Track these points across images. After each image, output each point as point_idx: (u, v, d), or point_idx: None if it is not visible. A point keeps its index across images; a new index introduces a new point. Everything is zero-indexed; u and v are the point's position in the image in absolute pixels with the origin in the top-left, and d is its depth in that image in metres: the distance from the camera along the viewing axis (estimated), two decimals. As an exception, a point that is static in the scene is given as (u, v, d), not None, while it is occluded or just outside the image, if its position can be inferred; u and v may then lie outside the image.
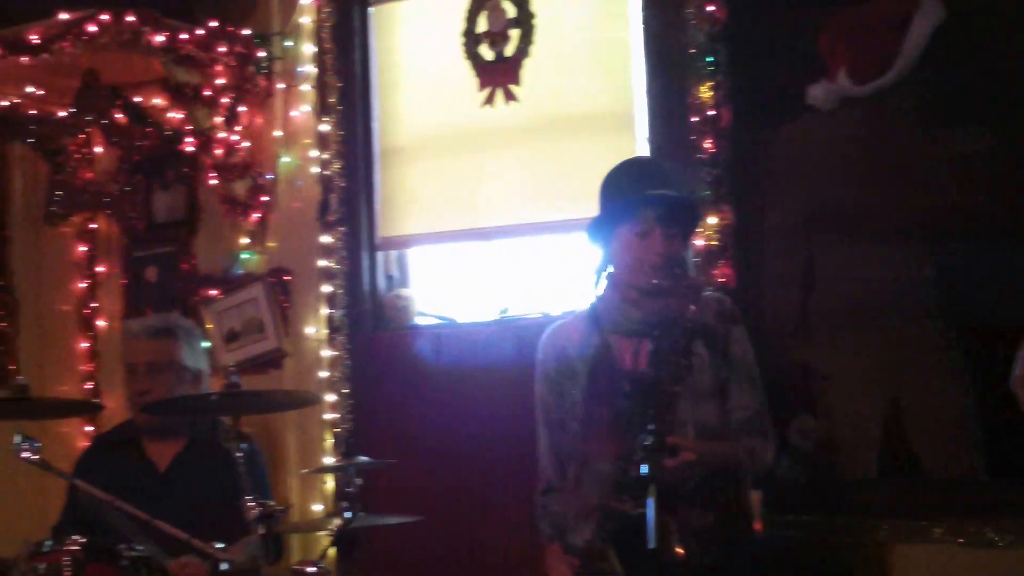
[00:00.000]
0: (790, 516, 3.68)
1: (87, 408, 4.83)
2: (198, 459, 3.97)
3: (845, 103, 3.78)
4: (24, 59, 4.50)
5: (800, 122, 3.86)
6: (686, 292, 3.16)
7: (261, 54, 4.79)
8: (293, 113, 4.82)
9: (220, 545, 3.32)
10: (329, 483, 4.56)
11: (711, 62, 3.93)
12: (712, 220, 3.89)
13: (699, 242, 3.87)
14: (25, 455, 3.27)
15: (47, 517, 4.10)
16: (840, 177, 3.80)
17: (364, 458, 3.57)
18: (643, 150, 4.16)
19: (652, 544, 2.90)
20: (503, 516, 4.16)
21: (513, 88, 4.44)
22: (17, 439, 3.26)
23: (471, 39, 4.53)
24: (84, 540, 3.29)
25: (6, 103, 5.00)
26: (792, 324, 3.85)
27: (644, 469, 2.97)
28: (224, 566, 3.23)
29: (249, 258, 4.87)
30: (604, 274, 3.42)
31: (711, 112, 3.92)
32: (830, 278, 3.82)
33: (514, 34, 4.44)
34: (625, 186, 3.38)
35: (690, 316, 3.11)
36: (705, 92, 3.94)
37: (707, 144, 3.92)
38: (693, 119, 3.95)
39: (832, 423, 3.78)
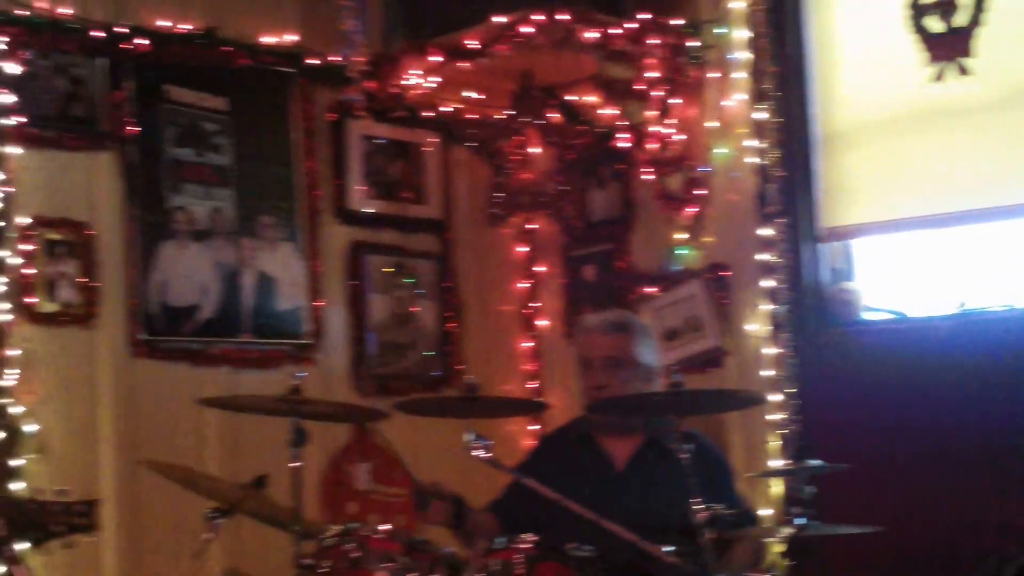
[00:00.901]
0: None
1: (534, 407, 4.90)
2: (656, 459, 3.91)
3: None
4: (463, 64, 4.64)
5: None
6: None
7: (693, 43, 4.71)
8: (726, 102, 4.72)
9: (668, 549, 3.23)
10: (776, 487, 4.40)
11: None
12: None
13: None
14: (476, 452, 3.30)
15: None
16: None
17: (816, 462, 3.37)
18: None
19: None
20: (972, 528, 3.87)
21: (966, 62, 4.22)
22: (469, 437, 3.30)
23: (916, 11, 4.34)
24: (536, 539, 3.28)
25: (448, 109, 5.20)
26: None
27: None
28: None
29: (686, 253, 4.81)
30: None
31: None
32: None
33: (965, 2, 4.22)
34: None
35: None
36: None
37: None
38: None
39: None
